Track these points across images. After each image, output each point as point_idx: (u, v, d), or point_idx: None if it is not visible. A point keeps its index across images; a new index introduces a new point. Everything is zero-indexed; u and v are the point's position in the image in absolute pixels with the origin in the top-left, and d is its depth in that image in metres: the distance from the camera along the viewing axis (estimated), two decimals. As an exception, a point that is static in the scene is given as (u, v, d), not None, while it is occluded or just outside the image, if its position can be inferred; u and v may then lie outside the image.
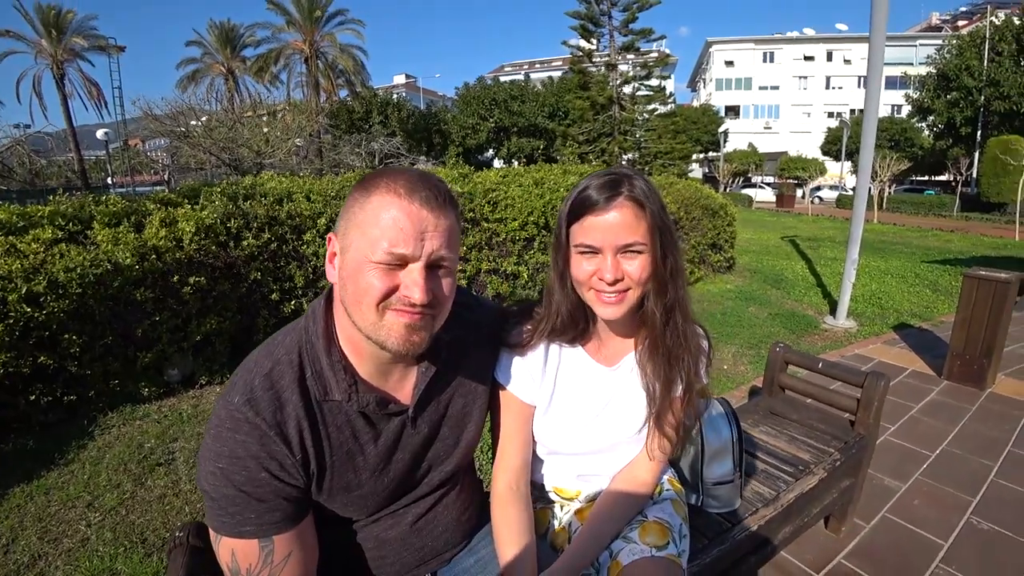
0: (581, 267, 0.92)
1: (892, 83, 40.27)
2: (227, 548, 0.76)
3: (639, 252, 0.89)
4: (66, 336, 2.95)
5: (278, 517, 0.76)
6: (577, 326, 1.01)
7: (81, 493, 2.41)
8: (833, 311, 4.99)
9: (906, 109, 28.74)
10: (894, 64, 40.29)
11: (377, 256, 0.71)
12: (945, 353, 3.51)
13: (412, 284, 0.73)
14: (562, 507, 1.16)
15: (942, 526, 2.03)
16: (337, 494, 0.85)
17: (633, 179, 0.90)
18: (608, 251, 0.88)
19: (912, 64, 38.53)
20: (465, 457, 0.99)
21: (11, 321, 2.76)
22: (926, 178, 33.07)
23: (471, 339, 0.96)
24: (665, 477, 1.21)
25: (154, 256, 3.26)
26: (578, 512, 1.13)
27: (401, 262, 0.73)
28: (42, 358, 2.91)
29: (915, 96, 26.05)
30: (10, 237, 3.13)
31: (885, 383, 1.73)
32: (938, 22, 51.17)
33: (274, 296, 3.75)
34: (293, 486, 0.78)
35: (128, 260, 3.14)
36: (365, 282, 0.73)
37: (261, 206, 3.84)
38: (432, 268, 0.75)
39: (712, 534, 1.30)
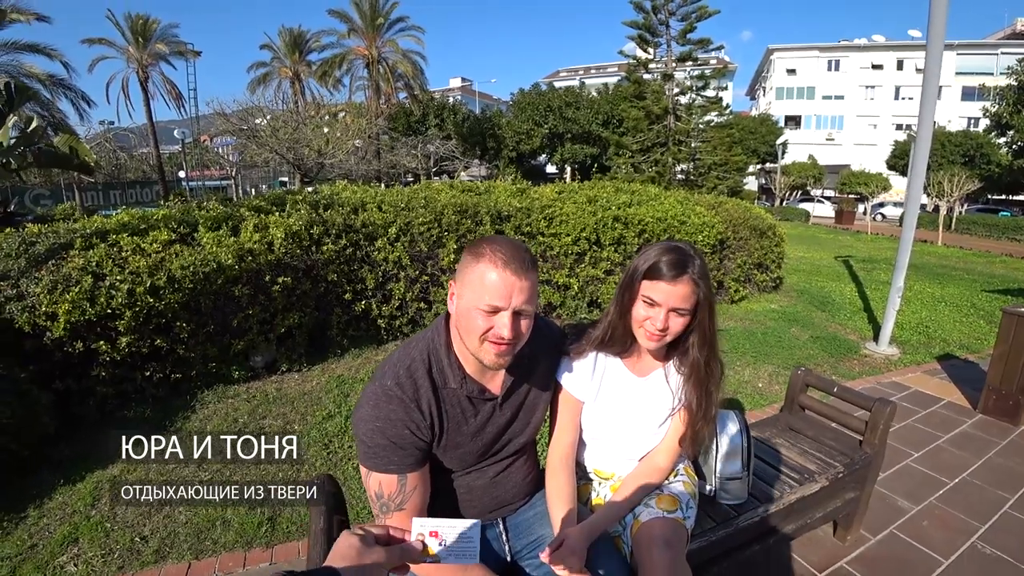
0: (640, 311, 1.27)
1: (969, 94, 37.93)
2: (375, 480, 1.13)
3: (683, 315, 1.25)
4: (178, 324, 3.47)
5: (411, 460, 1.14)
6: (623, 344, 1.36)
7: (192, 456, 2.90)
8: (876, 337, 5.04)
9: (983, 123, 27.10)
10: (972, 73, 37.82)
11: (481, 305, 1.08)
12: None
13: (502, 326, 1.08)
14: (600, 483, 1.49)
15: (946, 546, 2.19)
16: (448, 450, 1.22)
17: (695, 261, 1.23)
18: (664, 308, 1.23)
19: (992, 74, 36.08)
20: (533, 435, 1.37)
21: (137, 309, 3.28)
22: (1003, 197, 31.07)
23: (544, 351, 1.34)
24: (681, 465, 1.52)
25: (250, 258, 3.75)
26: (612, 488, 1.45)
27: (496, 310, 1.08)
28: (158, 341, 3.44)
29: (993, 109, 24.56)
30: (135, 238, 3.69)
31: (892, 409, 1.95)
32: (1023, 28, 47.10)
33: (347, 296, 4.22)
34: (423, 440, 1.16)
35: (229, 261, 3.64)
36: (473, 321, 1.10)
37: (339, 215, 4.31)
38: (516, 314, 1.10)
39: (720, 519, 1.59)
